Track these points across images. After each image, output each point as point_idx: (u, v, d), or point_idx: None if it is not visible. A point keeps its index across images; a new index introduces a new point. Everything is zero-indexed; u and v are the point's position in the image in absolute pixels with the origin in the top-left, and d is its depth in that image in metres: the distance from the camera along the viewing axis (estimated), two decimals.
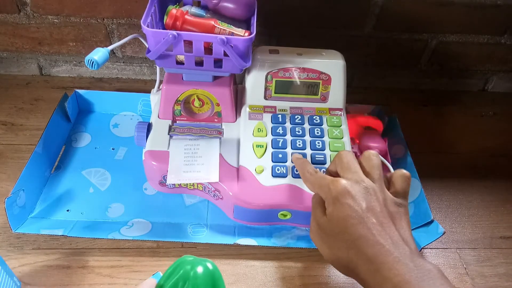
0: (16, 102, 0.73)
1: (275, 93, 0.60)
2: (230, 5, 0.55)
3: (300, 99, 0.61)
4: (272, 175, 0.55)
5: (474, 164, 0.70)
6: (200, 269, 0.36)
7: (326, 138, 0.58)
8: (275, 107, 0.61)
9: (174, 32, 0.49)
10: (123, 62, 0.78)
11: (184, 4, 0.59)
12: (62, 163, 0.63)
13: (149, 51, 0.51)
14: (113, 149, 0.66)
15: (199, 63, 0.54)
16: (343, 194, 0.40)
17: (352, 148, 0.59)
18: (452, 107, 0.81)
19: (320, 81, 0.59)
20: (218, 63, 0.54)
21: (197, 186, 0.58)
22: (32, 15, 0.70)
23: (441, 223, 0.58)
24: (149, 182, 0.61)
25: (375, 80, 0.82)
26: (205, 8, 0.57)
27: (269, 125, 0.59)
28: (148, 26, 0.50)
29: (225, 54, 0.51)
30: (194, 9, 0.56)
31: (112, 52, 0.74)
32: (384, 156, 0.60)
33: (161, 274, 0.45)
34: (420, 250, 0.54)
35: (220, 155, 0.56)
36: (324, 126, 0.59)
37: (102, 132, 0.69)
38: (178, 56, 0.53)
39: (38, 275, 0.50)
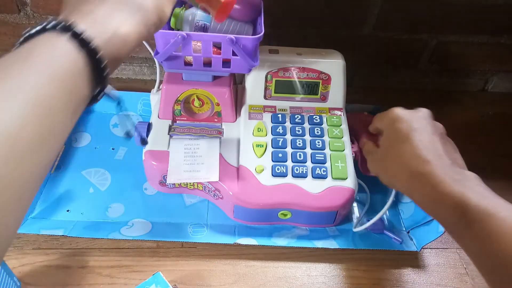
0: None
1: (275, 92, 0.60)
2: (235, 6, 0.54)
3: (300, 98, 0.61)
4: (272, 174, 0.55)
5: (474, 164, 0.69)
6: None
7: (326, 138, 0.58)
8: (275, 107, 0.61)
9: (183, 33, 0.48)
10: (123, 62, 0.78)
11: (190, 7, 0.58)
12: (62, 163, 0.63)
13: (157, 52, 0.51)
14: (113, 149, 0.66)
15: (207, 64, 0.53)
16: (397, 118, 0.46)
17: (352, 147, 0.59)
18: (452, 107, 0.80)
19: (320, 81, 0.59)
20: (225, 63, 0.53)
21: (197, 186, 0.58)
22: (32, 15, 0.70)
23: None
24: (149, 182, 0.61)
25: (375, 80, 0.82)
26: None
27: (269, 124, 0.59)
28: None
29: (233, 54, 0.51)
30: (199, 12, 0.55)
31: None
32: None
33: (161, 274, 0.45)
34: (420, 250, 0.54)
35: (220, 154, 0.56)
36: (324, 125, 0.59)
37: (102, 132, 0.68)
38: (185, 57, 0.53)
39: (38, 275, 0.50)
